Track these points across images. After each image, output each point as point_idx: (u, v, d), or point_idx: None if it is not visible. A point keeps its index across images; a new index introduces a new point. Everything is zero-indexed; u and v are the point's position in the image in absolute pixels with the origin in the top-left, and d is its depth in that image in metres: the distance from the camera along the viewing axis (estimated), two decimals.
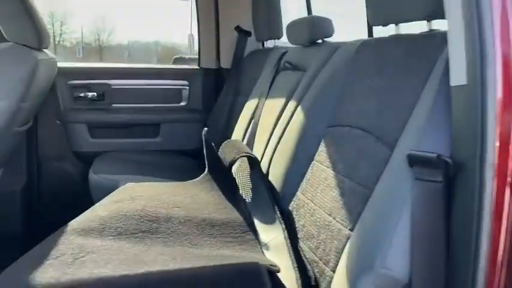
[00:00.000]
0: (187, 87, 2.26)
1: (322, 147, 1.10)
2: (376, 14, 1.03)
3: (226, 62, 2.24)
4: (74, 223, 1.01)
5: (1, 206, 1.95)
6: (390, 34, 1.04)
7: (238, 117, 1.88)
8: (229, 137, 1.79)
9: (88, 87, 2.12)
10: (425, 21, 0.94)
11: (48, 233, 2.18)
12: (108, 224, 1.00)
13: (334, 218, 0.93)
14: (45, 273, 0.72)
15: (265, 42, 2.16)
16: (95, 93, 2.12)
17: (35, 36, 1.58)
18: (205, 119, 2.25)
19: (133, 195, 1.20)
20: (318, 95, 1.20)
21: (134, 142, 2.17)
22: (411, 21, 0.95)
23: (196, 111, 2.26)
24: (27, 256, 0.85)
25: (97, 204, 1.17)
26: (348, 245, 0.84)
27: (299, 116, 1.22)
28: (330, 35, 1.41)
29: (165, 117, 2.21)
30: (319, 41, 1.45)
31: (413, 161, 0.71)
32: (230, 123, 1.96)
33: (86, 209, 2.13)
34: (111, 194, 1.28)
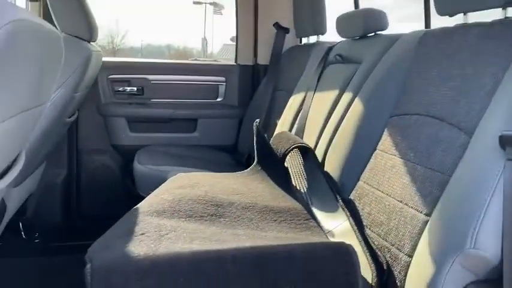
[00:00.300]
0: (224, 83, 2.27)
1: (385, 137, 1.10)
2: (444, 3, 1.03)
3: (263, 59, 2.26)
4: (143, 206, 1.03)
5: (42, 198, 1.98)
6: (456, 23, 1.05)
7: (278, 112, 1.89)
8: (271, 132, 1.80)
9: (128, 82, 2.15)
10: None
11: (86, 224, 2.22)
12: (177, 207, 1.01)
13: (406, 204, 0.93)
14: (139, 246, 0.74)
15: (302, 38, 2.17)
16: (134, 88, 2.15)
17: (86, 28, 1.61)
18: (241, 115, 2.26)
19: (191, 183, 1.22)
20: (377, 86, 1.20)
21: (172, 137, 2.19)
22: (484, 9, 0.96)
23: (232, 107, 2.28)
24: (107, 235, 0.87)
25: (157, 191, 1.19)
26: (427, 229, 0.84)
27: (357, 107, 1.23)
28: (385, 28, 1.42)
29: (202, 112, 2.23)
30: (371, 34, 1.45)
31: (506, 141, 0.71)
32: (270, 118, 1.97)
33: (125, 201, 2.16)
34: (166, 182, 1.29)
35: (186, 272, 0.69)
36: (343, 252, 0.76)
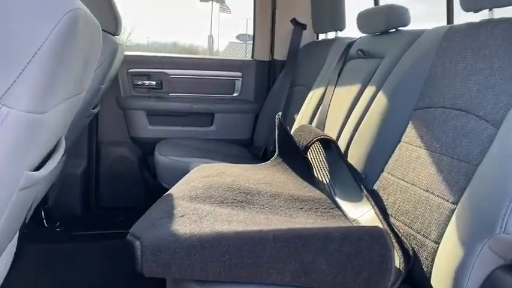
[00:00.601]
0: (241, 79, 2.31)
1: (410, 129, 1.13)
2: None
3: (279, 54, 2.29)
4: (175, 192, 1.06)
5: (63, 188, 2.03)
6: (482, 19, 1.08)
7: (296, 106, 1.92)
8: (289, 125, 1.83)
9: (147, 76, 2.19)
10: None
11: (105, 214, 2.26)
12: (208, 194, 1.05)
13: (432, 193, 0.96)
14: (183, 226, 0.77)
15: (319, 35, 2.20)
16: (154, 82, 2.19)
17: (112, 22, 1.65)
18: (257, 110, 2.30)
19: (217, 172, 1.25)
20: (400, 79, 1.23)
21: (189, 130, 2.23)
22: (510, 5, 0.98)
23: (249, 102, 2.32)
24: (146, 217, 0.90)
25: (185, 179, 1.22)
26: (455, 216, 0.87)
27: (381, 101, 1.26)
28: (407, 24, 1.44)
29: (219, 107, 2.26)
30: (392, 30, 1.48)
31: None
32: (287, 112, 2.00)
33: (143, 192, 2.20)
34: (191, 172, 1.32)
35: (230, 249, 0.73)
36: (378, 235, 0.79)
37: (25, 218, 1.40)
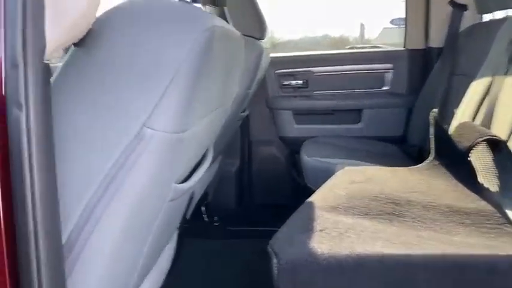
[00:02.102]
0: (391, 71, 2.16)
1: None
2: None
3: (435, 41, 2.07)
4: (317, 200, 1.03)
5: (220, 185, 2.19)
6: None
7: (456, 99, 1.70)
8: (448, 122, 1.64)
9: (293, 75, 2.21)
10: None
11: (258, 211, 2.36)
12: (351, 204, 0.99)
13: None
14: (321, 243, 0.74)
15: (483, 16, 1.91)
16: (300, 81, 2.19)
17: (258, 27, 1.70)
18: (410, 104, 2.12)
19: (363, 178, 1.18)
20: None
21: (336, 128, 2.18)
22: None
23: (401, 95, 2.15)
24: (287, 228, 0.89)
25: (328, 184, 1.18)
26: None
27: None
28: None
29: (366, 102, 2.16)
30: None
31: None
32: (446, 106, 1.79)
33: (292, 191, 2.24)
34: (336, 176, 1.28)
35: (373, 275, 0.66)
36: None
37: (185, 214, 1.55)
